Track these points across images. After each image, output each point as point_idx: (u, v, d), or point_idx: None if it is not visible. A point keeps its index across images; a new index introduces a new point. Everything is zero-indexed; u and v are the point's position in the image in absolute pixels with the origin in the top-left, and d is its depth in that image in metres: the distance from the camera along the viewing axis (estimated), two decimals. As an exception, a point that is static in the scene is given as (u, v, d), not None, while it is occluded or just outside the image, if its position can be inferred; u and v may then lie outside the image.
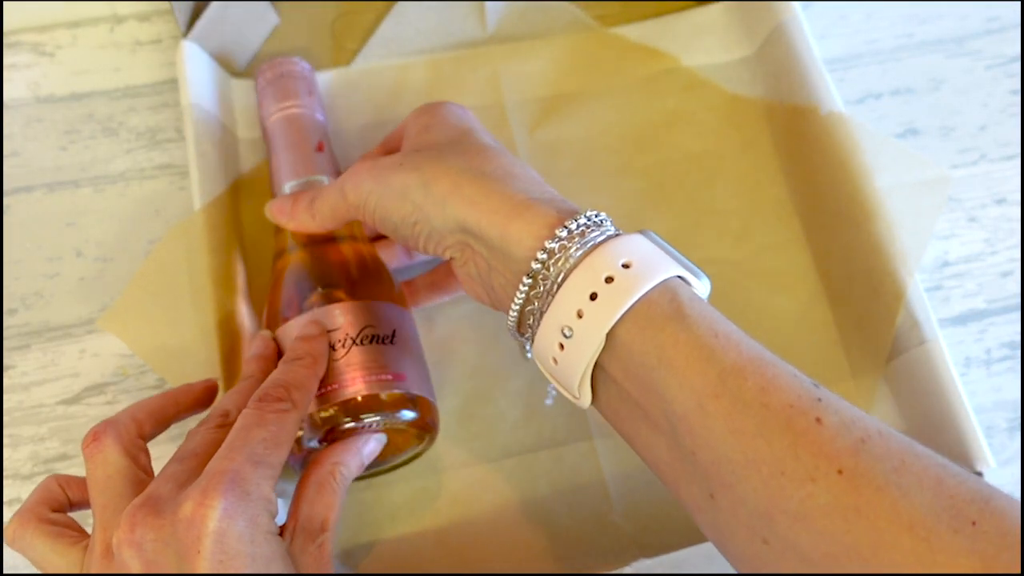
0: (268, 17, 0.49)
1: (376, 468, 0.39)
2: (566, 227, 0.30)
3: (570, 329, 0.29)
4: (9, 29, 0.50)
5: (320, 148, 0.42)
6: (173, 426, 0.36)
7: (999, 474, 0.42)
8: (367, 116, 0.48)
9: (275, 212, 0.39)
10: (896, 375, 0.42)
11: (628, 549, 0.39)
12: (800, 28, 0.47)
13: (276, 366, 0.35)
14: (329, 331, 0.36)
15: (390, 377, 0.36)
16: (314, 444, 0.35)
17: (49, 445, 0.42)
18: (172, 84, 0.49)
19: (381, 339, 0.36)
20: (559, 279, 0.30)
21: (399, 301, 0.39)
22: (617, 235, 0.30)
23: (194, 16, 0.47)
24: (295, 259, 0.39)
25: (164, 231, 0.45)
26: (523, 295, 0.31)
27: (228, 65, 0.48)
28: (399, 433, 0.37)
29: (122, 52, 0.50)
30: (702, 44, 0.51)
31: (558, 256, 0.30)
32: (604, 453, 0.41)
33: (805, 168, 0.46)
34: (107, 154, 0.48)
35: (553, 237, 0.30)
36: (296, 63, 0.45)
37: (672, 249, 0.31)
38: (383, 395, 0.35)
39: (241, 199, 0.45)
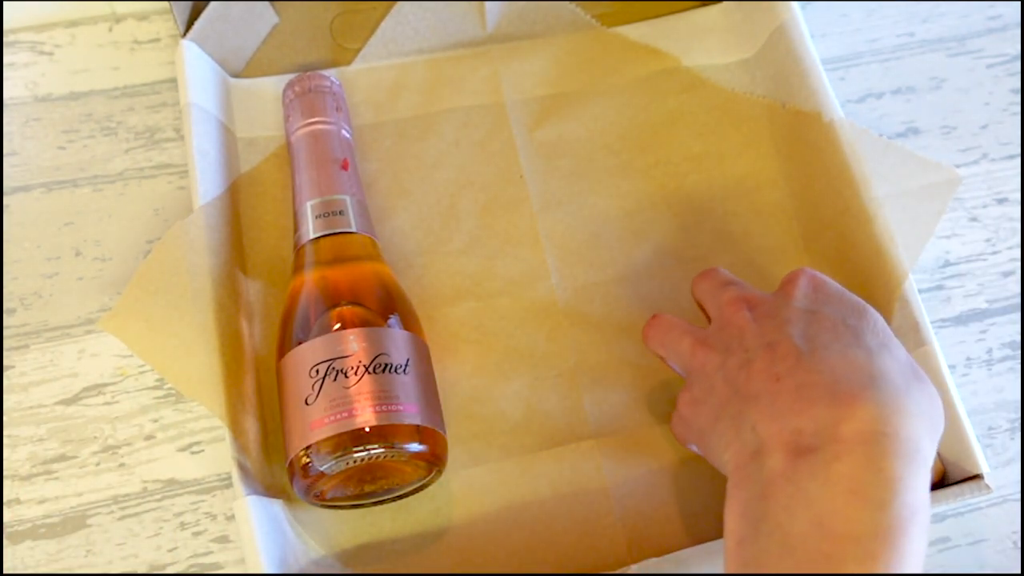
0: (267, 17, 0.49)
1: (382, 497, 0.39)
2: None
3: None
4: (8, 28, 0.50)
5: (344, 166, 0.42)
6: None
7: (1001, 474, 0.42)
8: (367, 116, 0.48)
9: None
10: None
11: (629, 550, 0.39)
12: (800, 30, 0.47)
13: None
14: (342, 357, 0.36)
15: (400, 408, 0.35)
16: (324, 469, 0.35)
17: (48, 446, 0.42)
18: (171, 83, 0.49)
19: (394, 368, 0.36)
20: None
21: (416, 329, 0.39)
22: None
23: (193, 15, 0.47)
24: (311, 279, 0.39)
25: (163, 231, 0.45)
26: None
27: (227, 65, 0.48)
28: (406, 464, 0.36)
29: (121, 51, 0.50)
30: (702, 45, 0.50)
31: None
32: (604, 453, 0.41)
33: (805, 172, 0.46)
34: (106, 153, 0.48)
35: None
36: (325, 78, 0.45)
37: None
38: (392, 426, 0.35)
39: (240, 199, 0.45)
